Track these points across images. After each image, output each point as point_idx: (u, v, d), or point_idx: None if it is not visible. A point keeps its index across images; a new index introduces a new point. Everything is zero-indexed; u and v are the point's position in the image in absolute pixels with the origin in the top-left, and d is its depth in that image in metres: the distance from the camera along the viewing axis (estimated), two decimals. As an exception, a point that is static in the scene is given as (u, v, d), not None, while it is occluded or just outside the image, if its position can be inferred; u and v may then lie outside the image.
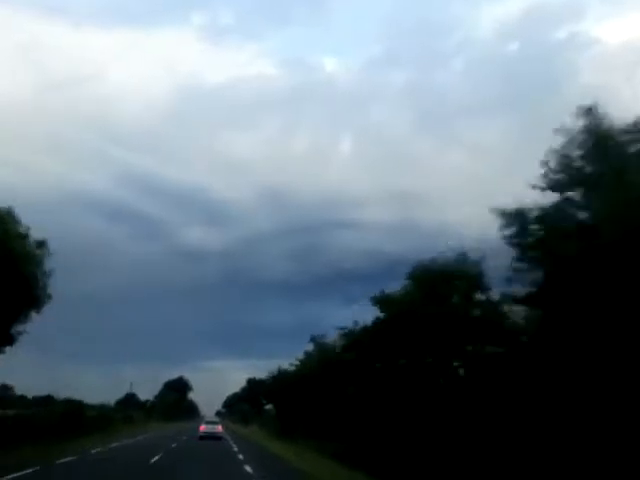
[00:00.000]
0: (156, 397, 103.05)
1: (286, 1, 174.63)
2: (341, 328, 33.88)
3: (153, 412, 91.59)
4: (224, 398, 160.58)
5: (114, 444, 36.43)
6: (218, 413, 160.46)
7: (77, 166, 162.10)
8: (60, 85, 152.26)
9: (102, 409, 63.24)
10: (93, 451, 30.50)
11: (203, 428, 47.02)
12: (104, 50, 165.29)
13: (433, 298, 22.46)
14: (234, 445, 41.39)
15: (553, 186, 15.11)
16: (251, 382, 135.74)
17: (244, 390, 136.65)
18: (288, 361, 53.39)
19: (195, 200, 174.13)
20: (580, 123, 14.60)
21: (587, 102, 14.62)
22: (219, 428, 47.65)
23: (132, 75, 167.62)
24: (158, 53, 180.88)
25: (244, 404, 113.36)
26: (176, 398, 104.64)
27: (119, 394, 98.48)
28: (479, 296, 23.11)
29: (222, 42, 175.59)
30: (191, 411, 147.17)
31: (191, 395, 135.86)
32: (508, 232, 16.26)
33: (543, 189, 15.28)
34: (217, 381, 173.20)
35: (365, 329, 28.85)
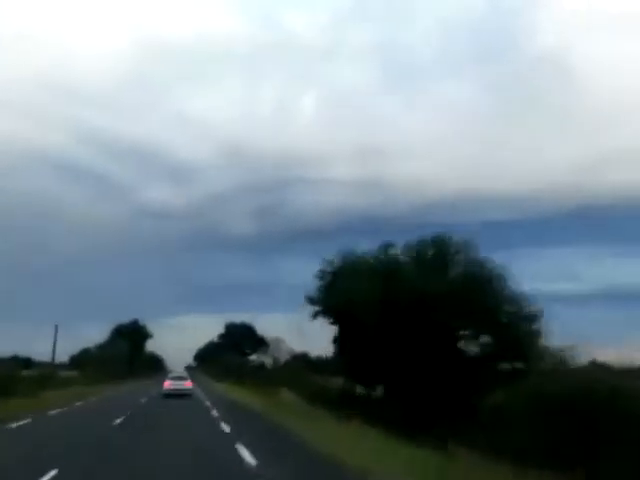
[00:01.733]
0: (100, 347, 74.23)
1: None
2: None
3: (87, 368, 63.37)
4: (194, 352, 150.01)
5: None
6: (188, 368, 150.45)
7: (35, 126, 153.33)
8: (14, 42, 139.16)
9: (49, 367, 57.73)
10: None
11: (168, 384, 42.09)
12: (60, 7, 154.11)
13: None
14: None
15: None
16: (230, 327, 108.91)
17: (223, 337, 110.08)
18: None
19: (157, 159, 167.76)
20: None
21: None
22: (187, 384, 42.59)
23: (93, 32, 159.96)
24: (118, 7, 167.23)
25: (229, 353, 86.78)
26: (130, 347, 77.07)
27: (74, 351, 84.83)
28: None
29: None
30: (155, 366, 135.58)
31: (152, 346, 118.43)
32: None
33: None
34: (185, 335, 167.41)
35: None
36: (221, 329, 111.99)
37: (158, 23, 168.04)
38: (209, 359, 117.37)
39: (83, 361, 71.01)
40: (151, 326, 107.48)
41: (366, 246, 31.85)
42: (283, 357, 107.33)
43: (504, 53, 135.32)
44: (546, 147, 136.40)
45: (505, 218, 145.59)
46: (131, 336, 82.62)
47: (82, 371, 64.09)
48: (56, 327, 62.84)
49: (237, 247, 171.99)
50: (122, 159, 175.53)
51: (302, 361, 55.79)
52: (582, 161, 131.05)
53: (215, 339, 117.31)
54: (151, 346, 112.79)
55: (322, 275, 31.84)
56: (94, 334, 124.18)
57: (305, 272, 63.59)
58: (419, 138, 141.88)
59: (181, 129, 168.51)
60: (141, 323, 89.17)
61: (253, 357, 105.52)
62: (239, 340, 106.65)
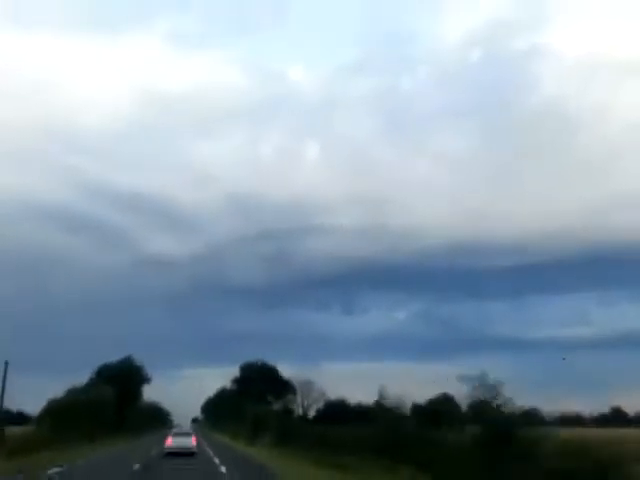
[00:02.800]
0: (73, 392, 52.28)
1: (251, 9, 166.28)
2: None
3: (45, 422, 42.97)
4: (202, 402, 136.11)
5: None
6: (195, 421, 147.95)
7: (37, 176, 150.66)
8: (19, 94, 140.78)
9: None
10: None
11: (170, 442, 36.03)
12: (65, 57, 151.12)
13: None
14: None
15: None
16: (246, 370, 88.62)
17: (238, 381, 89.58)
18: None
19: (161, 208, 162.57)
20: None
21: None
22: (192, 441, 36.21)
23: (95, 82, 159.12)
24: (121, 60, 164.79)
25: (247, 401, 66.42)
26: (118, 393, 55.84)
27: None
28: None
29: (186, 49, 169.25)
30: (159, 419, 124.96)
31: (155, 397, 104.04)
32: None
33: None
34: (191, 387, 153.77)
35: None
36: (233, 375, 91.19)
37: (160, 75, 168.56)
38: (221, 410, 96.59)
39: (51, 413, 50.63)
40: (155, 378, 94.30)
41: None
42: (315, 404, 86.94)
43: (505, 102, 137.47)
44: (552, 193, 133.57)
45: (512, 264, 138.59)
46: (120, 380, 62.19)
47: (39, 426, 44.23)
48: (6, 364, 43.28)
49: (242, 296, 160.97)
50: (125, 209, 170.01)
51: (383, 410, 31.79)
52: (589, 205, 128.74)
53: (228, 385, 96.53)
54: (152, 396, 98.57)
55: None
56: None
57: (312, 321, 68.68)
58: (422, 186, 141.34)
59: (184, 179, 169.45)
60: (137, 363, 68.48)
61: (277, 405, 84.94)
62: (258, 385, 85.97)
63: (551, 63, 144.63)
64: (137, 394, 69.39)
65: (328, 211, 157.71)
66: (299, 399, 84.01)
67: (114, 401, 58.00)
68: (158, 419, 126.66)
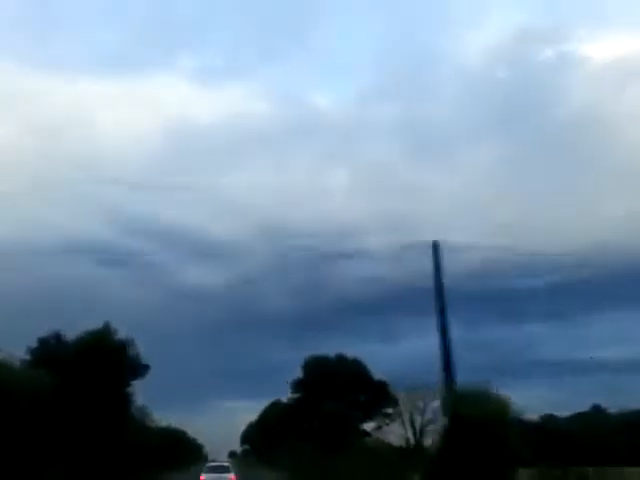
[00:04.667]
0: None
1: (274, 38, 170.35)
2: None
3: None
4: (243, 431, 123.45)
5: None
6: (232, 455, 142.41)
7: (70, 213, 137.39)
8: (49, 133, 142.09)
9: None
10: None
11: (204, 479, 32.44)
12: (95, 98, 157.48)
13: None
14: None
15: None
16: (314, 366, 55.67)
17: (300, 386, 56.10)
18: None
19: (192, 241, 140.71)
20: None
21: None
22: (230, 478, 32.48)
23: (125, 120, 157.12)
24: (148, 98, 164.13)
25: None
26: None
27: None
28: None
29: (211, 83, 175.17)
30: (193, 454, 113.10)
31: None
32: None
33: None
34: (223, 421, 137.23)
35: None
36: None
37: (188, 110, 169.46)
38: (275, 435, 63.28)
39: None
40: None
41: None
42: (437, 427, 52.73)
43: (534, 115, 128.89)
44: (589, 206, 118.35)
45: (549, 282, 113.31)
46: (85, 364, 30.06)
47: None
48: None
49: (275, 326, 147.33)
50: (157, 241, 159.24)
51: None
52: (629, 217, 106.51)
53: (284, 399, 63.30)
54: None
55: None
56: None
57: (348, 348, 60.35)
58: (452, 205, 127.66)
59: (215, 210, 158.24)
60: (121, 339, 35.89)
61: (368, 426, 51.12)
62: (332, 391, 52.64)
63: (579, 71, 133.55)
64: (123, 397, 36.52)
65: (359, 235, 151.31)
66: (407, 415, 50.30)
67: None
68: (185, 452, 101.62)
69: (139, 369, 36.53)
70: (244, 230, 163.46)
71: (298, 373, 58.30)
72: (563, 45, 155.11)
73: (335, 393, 53.31)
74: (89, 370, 32.03)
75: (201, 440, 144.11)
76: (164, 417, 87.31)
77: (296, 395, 57.55)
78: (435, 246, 28.59)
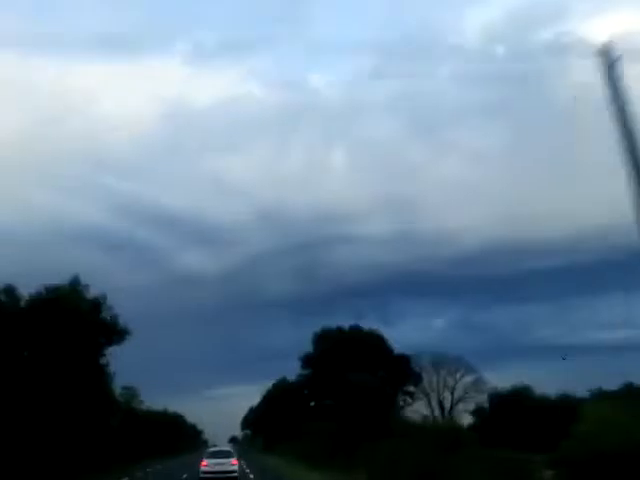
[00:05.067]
0: None
1: (267, 21, 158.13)
2: None
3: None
4: (244, 416, 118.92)
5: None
6: (233, 440, 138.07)
7: (68, 198, 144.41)
8: (46, 117, 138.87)
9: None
10: None
11: (206, 464, 31.21)
12: (88, 81, 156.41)
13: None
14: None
15: None
16: (321, 340, 48.86)
17: (310, 361, 49.23)
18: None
19: (189, 224, 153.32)
20: None
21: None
22: (233, 462, 31.89)
23: (120, 104, 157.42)
24: (143, 81, 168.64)
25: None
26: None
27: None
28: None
29: (206, 66, 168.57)
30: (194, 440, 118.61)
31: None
32: None
33: None
34: (223, 407, 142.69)
35: None
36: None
37: (183, 93, 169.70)
38: (279, 417, 56.75)
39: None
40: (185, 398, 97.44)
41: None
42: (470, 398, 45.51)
43: (533, 98, 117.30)
44: (588, 190, 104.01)
45: (549, 266, 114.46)
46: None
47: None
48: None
49: (275, 310, 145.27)
50: (154, 226, 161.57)
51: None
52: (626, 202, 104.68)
53: (291, 377, 56.60)
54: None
55: None
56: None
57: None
58: (450, 188, 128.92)
59: (212, 194, 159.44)
60: (93, 296, 29.55)
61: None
62: (344, 366, 46.02)
63: (577, 51, 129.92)
64: (97, 369, 29.70)
65: (358, 219, 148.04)
66: (431, 390, 43.77)
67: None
68: (182, 438, 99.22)
69: (115, 334, 29.54)
70: (241, 214, 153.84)
71: (296, 363, 52.08)
72: (561, 25, 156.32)
73: (349, 369, 46.72)
74: (45, 333, 25.12)
75: (200, 426, 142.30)
76: (167, 403, 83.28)
77: (305, 372, 50.81)
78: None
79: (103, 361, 29.71)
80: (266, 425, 72.48)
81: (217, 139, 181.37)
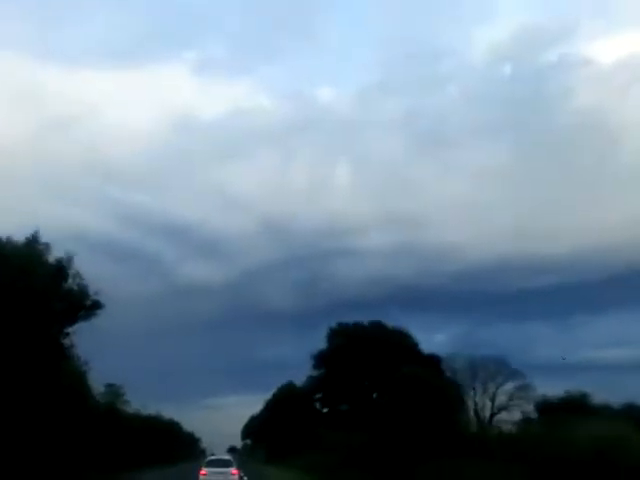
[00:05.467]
0: None
1: (277, 34, 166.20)
2: None
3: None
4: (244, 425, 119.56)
5: None
6: (232, 450, 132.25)
7: (74, 207, 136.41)
8: (54, 127, 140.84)
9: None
10: None
11: (204, 473, 30.21)
12: (97, 91, 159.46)
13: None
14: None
15: None
16: (337, 336, 42.01)
17: (321, 361, 42.50)
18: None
19: (193, 235, 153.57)
20: None
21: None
22: (232, 472, 30.42)
23: (128, 114, 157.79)
24: (151, 91, 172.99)
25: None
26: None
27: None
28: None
29: (215, 77, 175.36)
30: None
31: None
32: None
33: None
34: (222, 417, 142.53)
35: None
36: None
37: (191, 104, 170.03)
38: (283, 425, 50.04)
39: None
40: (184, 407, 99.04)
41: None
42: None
43: (537, 117, 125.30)
44: (591, 208, 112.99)
45: (554, 283, 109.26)
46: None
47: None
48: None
49: (276, 322, 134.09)
50: (159, 236, 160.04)
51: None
52: (634, 220, 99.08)
53: (302, 378, 49.71)
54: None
55: None
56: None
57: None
58: (454, 204, 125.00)
59: (217, 205, 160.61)
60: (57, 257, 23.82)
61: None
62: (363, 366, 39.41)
63: (584, 73, 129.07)
64: (56, 349, 22.94)
65: (361, 232, 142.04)
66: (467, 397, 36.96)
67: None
68: (179, 446, 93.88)
69: (83, 308, 22.99)
70: (245, 225, 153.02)
71: (304, 370, 45.63)
72: (567, 46, 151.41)
73: (370, 369, 40.04)
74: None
75: (198, 434, 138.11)
76: (162, 408, 77.67)
77: (316, 373, 43.96)
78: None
79: (66, 341, 23.23)
80: (269, 434, 65.49)
81: (224, 150, 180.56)
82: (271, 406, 63.05)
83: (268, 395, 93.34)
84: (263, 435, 74.51)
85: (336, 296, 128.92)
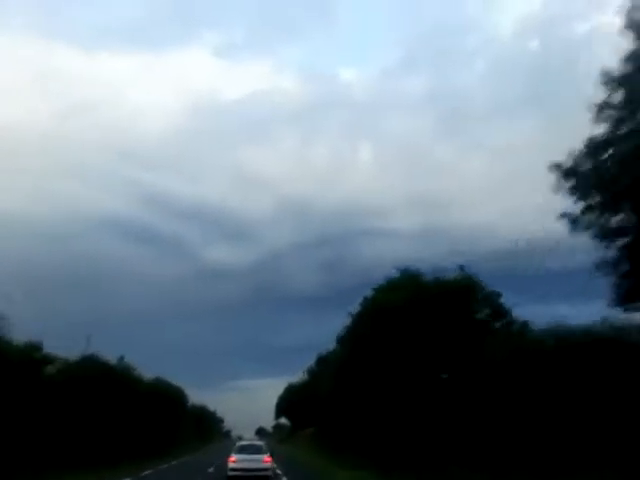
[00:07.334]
0: None
1: (298, 14, 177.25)
2: None
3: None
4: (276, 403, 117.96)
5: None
6: (260, 432, 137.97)
7: (99, 190, 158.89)
8: (77, 111, 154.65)
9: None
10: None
11: (234, 460, 28.88)
12: (120, 74, 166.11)
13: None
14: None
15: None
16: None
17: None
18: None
19: (218, 217, 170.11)
20: None
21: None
22: (264, 459, 29.05)
23: (149, 96, 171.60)
24: (173, 73, 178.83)
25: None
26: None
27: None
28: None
29: (236, 58, 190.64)
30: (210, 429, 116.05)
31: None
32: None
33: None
34: (251, 399, 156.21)
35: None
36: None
37: (213, 86, 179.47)
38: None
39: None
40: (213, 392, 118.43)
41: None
42: None
43: (563, 91, 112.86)
44: None
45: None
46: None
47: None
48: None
49: (301, 304, 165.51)
50: (182, 218, 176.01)
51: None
52: None
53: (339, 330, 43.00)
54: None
55: None
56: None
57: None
58: (480, 184, 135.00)
59: (240, 187, 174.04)
60: None
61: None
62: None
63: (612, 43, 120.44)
64: None
65: (385, 213, 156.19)
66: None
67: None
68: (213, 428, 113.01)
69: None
70: (268, 207, 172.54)
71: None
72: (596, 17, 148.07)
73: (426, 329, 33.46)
74: None
75: (221, 415, 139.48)
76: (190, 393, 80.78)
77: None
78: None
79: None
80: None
81: (245, 131, 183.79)
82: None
83: (293, 378, 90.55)
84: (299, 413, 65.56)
85: (361, 277, 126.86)
